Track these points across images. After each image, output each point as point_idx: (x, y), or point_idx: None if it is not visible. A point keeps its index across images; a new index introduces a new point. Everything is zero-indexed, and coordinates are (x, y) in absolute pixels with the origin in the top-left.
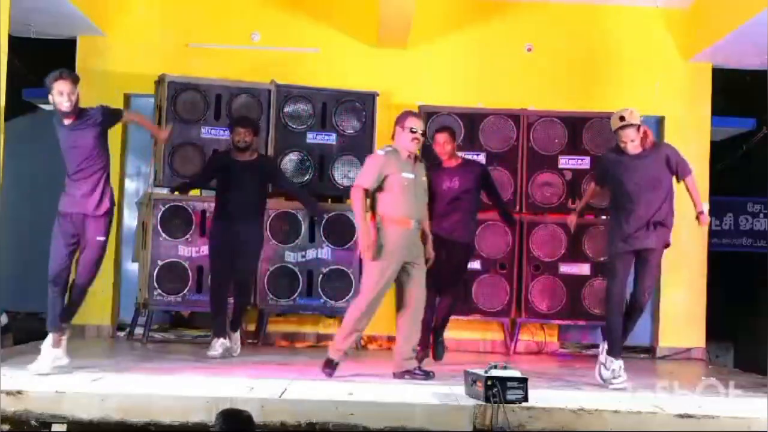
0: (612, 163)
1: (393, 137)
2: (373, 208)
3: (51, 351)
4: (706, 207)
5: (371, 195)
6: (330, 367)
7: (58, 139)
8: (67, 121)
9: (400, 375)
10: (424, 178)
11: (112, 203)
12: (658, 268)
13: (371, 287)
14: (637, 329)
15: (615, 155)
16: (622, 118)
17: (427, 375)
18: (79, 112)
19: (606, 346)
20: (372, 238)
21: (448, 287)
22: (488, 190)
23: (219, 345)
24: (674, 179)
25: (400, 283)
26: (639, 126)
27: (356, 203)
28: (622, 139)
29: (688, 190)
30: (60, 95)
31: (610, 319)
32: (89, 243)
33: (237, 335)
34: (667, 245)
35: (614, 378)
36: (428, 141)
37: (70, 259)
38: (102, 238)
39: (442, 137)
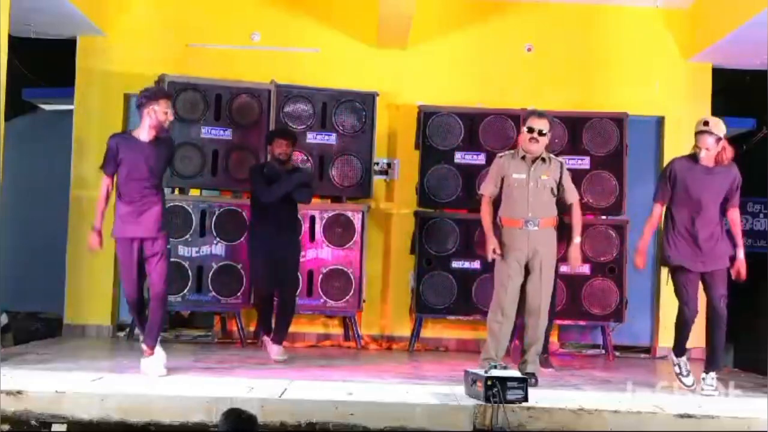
0: (684, 172)
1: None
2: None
3: (159, 353)
4: (740, 253)
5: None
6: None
7: (118, 155)
8: (146, 139)
9: None
10: (545, 177)
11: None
12: (726, 275)
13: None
14: (636, 329)
15: (687, 162)
16: (705, 123)
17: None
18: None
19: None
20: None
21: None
22: None
23: (278, 350)
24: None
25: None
26: (720, 138)
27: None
28: (697, 144)
29: (730, 222)
30: (165, 114)
31: (688, 330)
32: (160, 255)
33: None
34: (733, 257)
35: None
36: None
37: (142, 280)
38: (169, 247)
39: None
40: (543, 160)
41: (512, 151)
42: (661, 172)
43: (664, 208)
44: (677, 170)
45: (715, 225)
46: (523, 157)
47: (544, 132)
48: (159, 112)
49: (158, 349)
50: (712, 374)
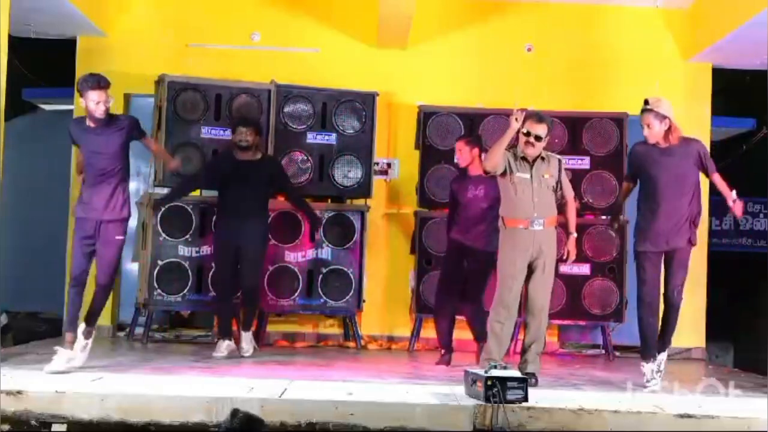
0: (641, 156)
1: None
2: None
3: (65, 351)
4: (734, 195)
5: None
6: None
7: (76, 142)
8: (92, 125)
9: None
10: (547, 176)
11: (129, 211)
12: (686, 265)
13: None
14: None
15: (643, 147)
16: (646, 102)
17: None
18: (108, 119)
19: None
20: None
21: (471, 295)
22: None
23: (225, 347)
24: (701, 175)
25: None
26: (664, 117)
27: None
28: (641, 122)
29: (716, 185)
30: (95, 104)
31: (643, 322)
32: (107, 242)
33: (249, 335)
34: (693, 243)
35: (647, 381)
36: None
37: (87, 261)
38: (120, 237)
39: (459, 144)
40: (542, 158)
41: (513, 151)
42: None
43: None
44: (636, 153)
45: (679, 208)
46: (524, 157)
47: (540, 137)
48: (90, 102)
49: (79, 343)
50: (649, 365)
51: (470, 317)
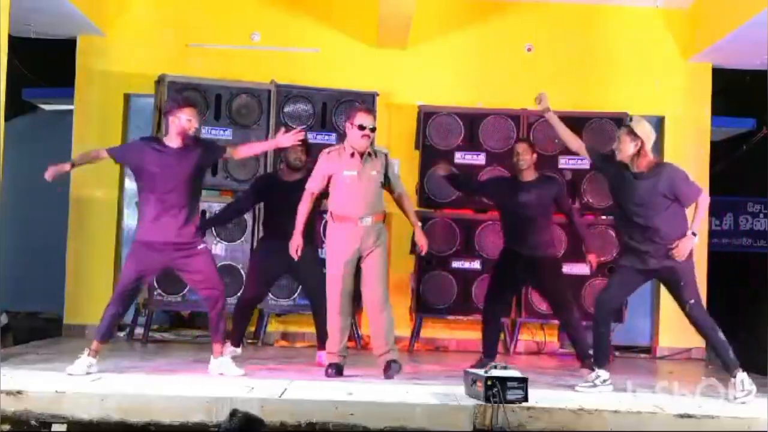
0: (615, 175)
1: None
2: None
3: (87, 357)
4: (696, 233)
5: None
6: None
7: (147, 162)
8: (174, 145)
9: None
10: (375, 173)
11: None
12: (683, 280)
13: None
14: (636, 329)
15: (615, 167)
16: (630, 119)
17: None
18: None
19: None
20: None
21: (562, 306)
22: (561, 202)
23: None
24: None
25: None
26: (636, 138)
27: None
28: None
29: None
30: (189, 122)
31: (594, 329)
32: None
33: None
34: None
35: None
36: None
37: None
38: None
39: (520, 147)
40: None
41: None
42: None
43: None
44: (612, 170)
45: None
46: (353, 155)
47: (372, 128)
48: (183, 121)
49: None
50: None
51: (575, 330)
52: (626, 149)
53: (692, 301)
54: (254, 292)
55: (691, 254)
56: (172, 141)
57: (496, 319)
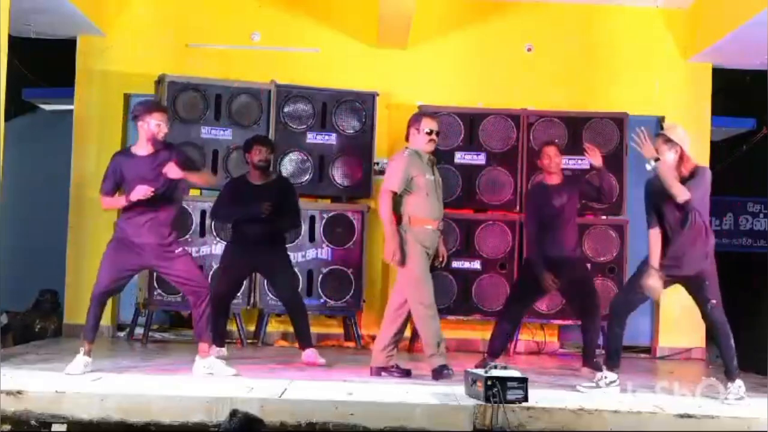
0: (660, 193)
1: (407, 138)
2: (397, 211)
3: (82, 357)
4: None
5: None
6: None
7: (124, 172)
8: (143, 153)
9: (377, 371)
10: (439, 178)
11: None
12: (708, 280)
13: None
14: (636, 329)
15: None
16: (662, 126)
17: (406, 373)
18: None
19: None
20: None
21: (589, 311)
22: (588, 189)
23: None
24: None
25: None
26: (674, 144)
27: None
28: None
29: None
30: (158, 127)
31: (609, 330)
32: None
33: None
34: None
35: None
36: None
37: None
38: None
39: (552, 150)
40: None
41: (410, 150)
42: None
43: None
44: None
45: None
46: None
47: (437, 132)
48: (152, 125)
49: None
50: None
51: (588, 336)
52: (667, 158)
53: (714, 301)
54: (223, 290)
55: (713, 256)
56: (142, 148)
57: (510, 320)
